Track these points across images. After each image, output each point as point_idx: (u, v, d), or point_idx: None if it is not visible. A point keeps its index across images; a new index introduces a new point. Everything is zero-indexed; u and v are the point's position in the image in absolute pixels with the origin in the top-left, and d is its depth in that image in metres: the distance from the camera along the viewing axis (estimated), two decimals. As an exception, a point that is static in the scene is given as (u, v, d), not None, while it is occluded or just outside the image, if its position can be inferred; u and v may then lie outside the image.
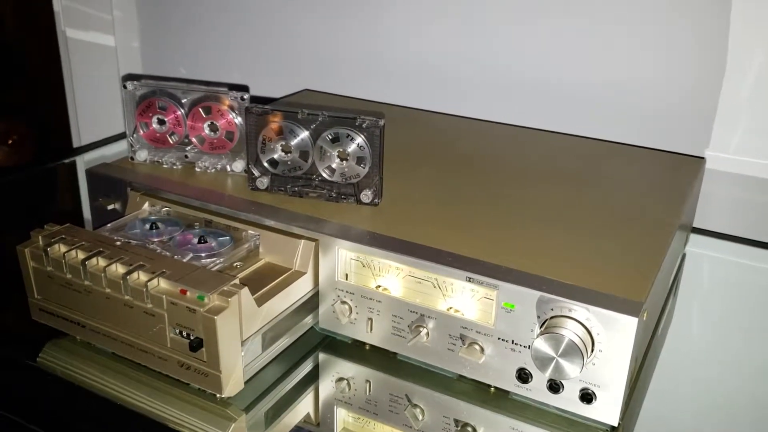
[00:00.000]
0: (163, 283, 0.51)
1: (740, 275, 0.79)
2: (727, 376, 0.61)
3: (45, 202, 0.92)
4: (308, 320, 0.60)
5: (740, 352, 0.65)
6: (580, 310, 0.49)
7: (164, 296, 0.50)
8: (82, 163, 1.02)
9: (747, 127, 0.81)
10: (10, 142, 1.26)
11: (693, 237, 0.82)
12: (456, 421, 0.54)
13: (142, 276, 0.51)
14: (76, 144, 1.26)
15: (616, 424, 0.51)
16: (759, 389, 0.60)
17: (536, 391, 0.53)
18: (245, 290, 0.51)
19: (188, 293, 0.50)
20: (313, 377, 0.58)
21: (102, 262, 0.53)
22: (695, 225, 0.83)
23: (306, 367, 0.59)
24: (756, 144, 0.81)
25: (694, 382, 0.61)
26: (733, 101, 0.80)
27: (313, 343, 0.61)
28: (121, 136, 1.06)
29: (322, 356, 0.60)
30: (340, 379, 0.58)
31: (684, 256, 0.79)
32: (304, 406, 0.56)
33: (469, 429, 0.53)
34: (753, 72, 0.79)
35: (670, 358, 0.62)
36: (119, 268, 0.52)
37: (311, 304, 0.59)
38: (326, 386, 0.57)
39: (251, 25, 1.08)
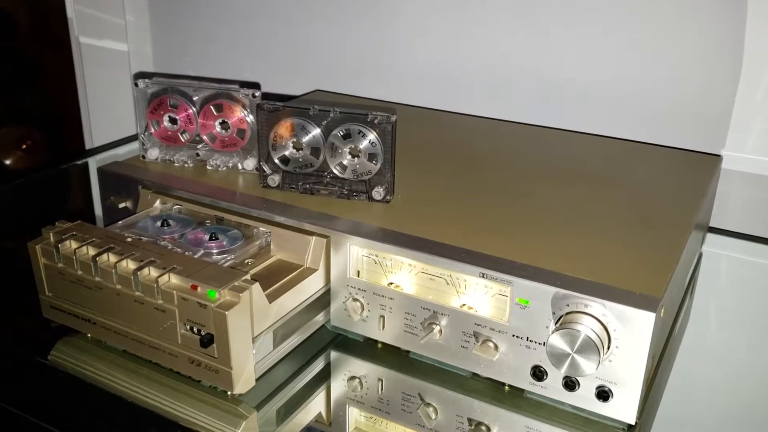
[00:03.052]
0: (174, 279, 0.51)
1: (757, 274, 0.78)
2: (744, 375, 0.60)
3: (58, 203, 0.92)
4: (320, 318, 0.59)
5: (758, 350, 0.64)
6: (596, 306, 0.48)
7: (175, 292, 0.50)
8: (95, 163, 1.03)
9: (763, 126, 0.80)
10: (24, 147, 1.27)
11: (709, 237, 0.81)
12: (470, 420, 0.53)
13: (152, 272, 0.51)
14: (88, 146, 1.26)
15: (633, 423, 0.50)
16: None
17: (551, 388, 0.52)
18: (256, 286, 0.50)
19: (199, 289, 0.49)
20: (325, 376, 0.58)
21: (113, 258, 0.53)
22: (712, 225, 0.82)
23: (318, 366, 0.58)
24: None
25: (711, 381, 0.60)
26: (749, 100, 0.79)
27: (325, 342, 0.60)
28: (133, 138, 1.06)
29: (333, 354, 0.60)
30: (352, 378, 0.57)
31: (701, 255, 0.77)
32: (316, 405, 0.55)
33: (483, 428, 0.52)
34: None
35: (687, 357, 0.61)
36: (130, 264, 0.52)
37: (323, 301, 0.59)
38: (338, 385, 0.57)
39: (263, 28, 1.08)
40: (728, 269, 0.80)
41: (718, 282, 0.76)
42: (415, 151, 0.75)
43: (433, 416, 0.53)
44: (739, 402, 0.57)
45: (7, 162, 1.24)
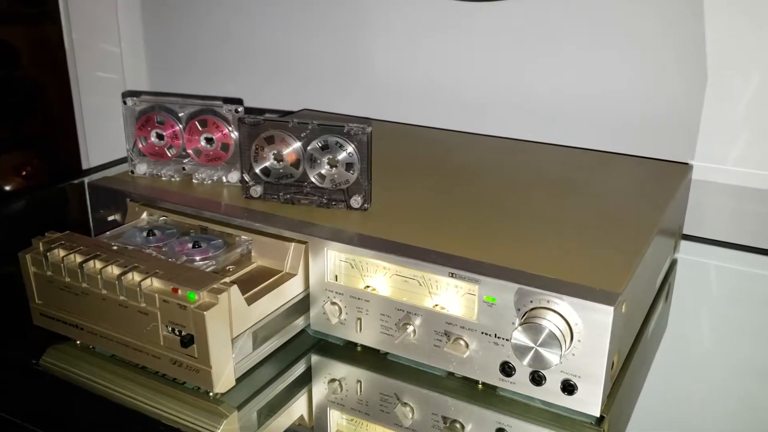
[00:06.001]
0: (156, 283, 0.53)
1: (735, 281, 0.80)
2: (721, 377, 0.62)
3: (54, 220, 0.95)
4: (299, 322, 0.61)
5: (733, 352, 0.66)
6: (558, 301, 0.50)
7: (157, 295, 0.52)
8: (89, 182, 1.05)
9: (745, 138, 0.82)
10: (24, 173, 1.30)
11: (688, 244, 0.83)
12: (444, 418, 0.54)
13: (136, 276, 0.53)
14: (85, 168, 1.30)
15: (597, 415, 0.52)
16: (751, 392, 0.60)
17: (520, 384, 0.54)
18: (234, 288, 0.52)
19: (179, 291, 0.51)
20: (306, 378, 0.60)
21: (98, 265, 0.55)
22: (691, 233, 0.84)
23: (299, 369, 0.60)
24: (752, 154, 0.82)
25: (688, 383, 0.62)
26: (727, 112, 0.81)
27: (306, 346, 0.62)
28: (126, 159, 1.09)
29: (314, 358, 0.61)
30: (332, 380, 0.59)
31: (675, 261, 0.79)
32: (297, 406, 0.57)
33: (458, 426, 0.54)
34: (748, 81, 0.80)
35: (664, 360, 0.63)
36: (114, 270, 0.54)
37: (302, 305, 0.61)
38: (319, 387, 0.59)
39: (254, 50, 1.11)
40: (707, 276, 0.82)
41: (695, 287, 0.78)
42: (395, 165, 0.78)
43: (410, 416, 0.55)
44: (714, 402, 0.59)
45: (8, 188, 1.27)
